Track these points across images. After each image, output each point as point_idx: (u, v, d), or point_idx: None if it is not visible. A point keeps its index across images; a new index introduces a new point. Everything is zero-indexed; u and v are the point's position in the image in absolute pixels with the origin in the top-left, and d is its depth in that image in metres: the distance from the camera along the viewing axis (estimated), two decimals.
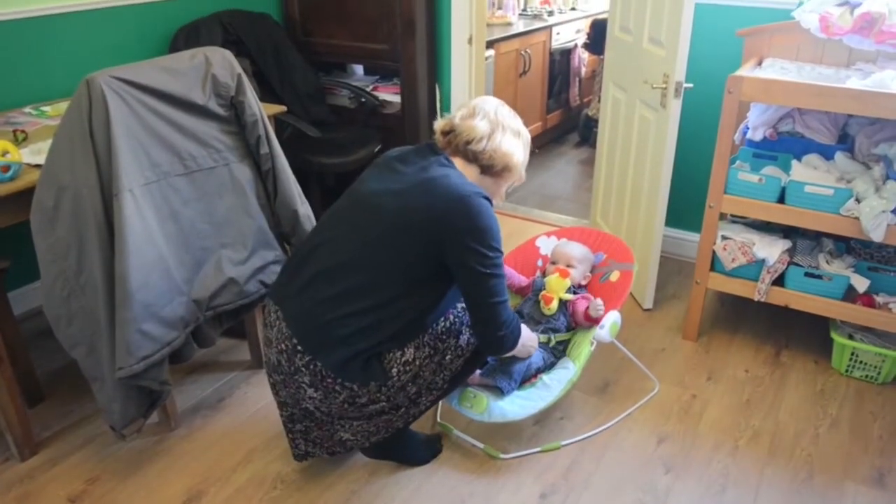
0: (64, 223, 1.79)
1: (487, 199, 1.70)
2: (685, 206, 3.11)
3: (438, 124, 1.85)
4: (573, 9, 5.44)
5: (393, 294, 1.67)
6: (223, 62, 1.96)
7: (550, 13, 5.09)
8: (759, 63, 2.65)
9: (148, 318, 1.83)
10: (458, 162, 1.79)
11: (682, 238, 3.26)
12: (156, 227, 1.85)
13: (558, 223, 3.70)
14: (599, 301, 2.16)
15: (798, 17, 2.53)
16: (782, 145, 2.56)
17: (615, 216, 3.10)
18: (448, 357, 1.80)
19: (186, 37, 3.10)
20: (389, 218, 1.67)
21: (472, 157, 1.78)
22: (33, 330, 2.70)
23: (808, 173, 2.39)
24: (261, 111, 2.03)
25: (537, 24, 4.69)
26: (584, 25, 5.29)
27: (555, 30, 4.91)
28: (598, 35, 4.88)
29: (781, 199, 2.37)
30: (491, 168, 1.80)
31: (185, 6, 3.19)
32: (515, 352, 1.89)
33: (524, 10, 5.15)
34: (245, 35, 3.27)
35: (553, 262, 2.33)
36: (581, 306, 2.17)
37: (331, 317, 1.66)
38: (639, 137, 2.78)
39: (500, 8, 4.83)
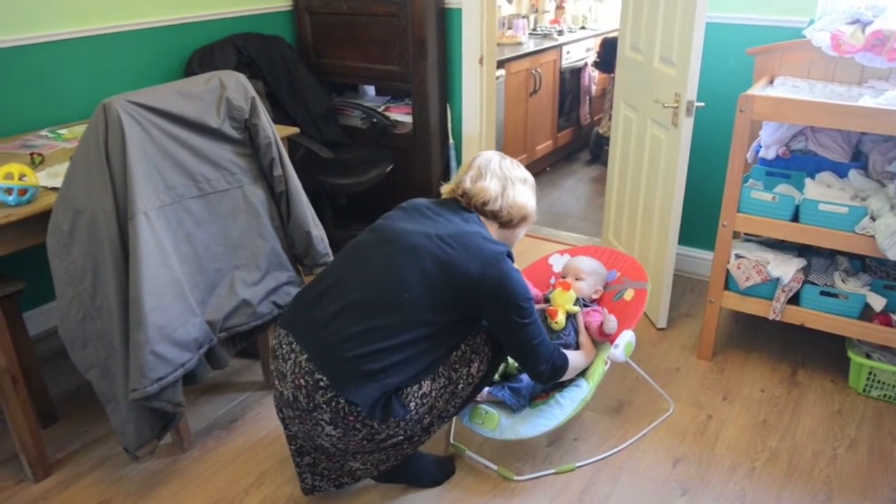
0: (80, 246, 1.80)
1: (510, 254, 1.78)
2: (698, 224, 3.09)
3: (447, 188, 1.94)
4: (583, 27, 5.47)
5: (426, 333, 1.69)
6: (237, 86, 1.98)
7: (560, 32, 5.12)
8: (771, 81, 2.65)
9: (162, 339, 1.84)
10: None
11: (695, 256, 3.24)
12: (170, 250, 1.86)
13: (570, 241, 3.70)
14: (613, 318, 2.15)
15: (809, 36, 2.53)
16: (795, 163, 2.55)
17: (627, 235, 3.09)
18: (461, 385, 1.81)
19: (201, 59, 3.13)
20: (428, 260, 1.69)
21: (491, 216, 1.87)
22: (48, 350, 2.72)
23: (821, 191, 2.38)
24: (274, 134, 2.05)
25: (547, 44, 4.72)
26: (594, 44, 5.32)
27: (565, 49, 4.93)
28: (608, 53, 4.91)
29: (795, 218, 2.35)
30: (510, 222, 1.90)
31: (200, 29, 3.23)
32: (567, 375, 1.99)
33: (534, 29, 5.18)
34: (258, 57, 3.31)
35: (563, 277, 2.34)
36: (595, 320, 2.16)
37: (361, 352, 1.64)
38: (650, 156, 2.77)
39: (510, 28, 4.87)
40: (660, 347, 2.73)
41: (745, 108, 2.29)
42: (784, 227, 2.35)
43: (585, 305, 2.25)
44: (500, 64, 4.03)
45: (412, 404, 1.71)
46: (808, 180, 2.43)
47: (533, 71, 4.54)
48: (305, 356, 1.67)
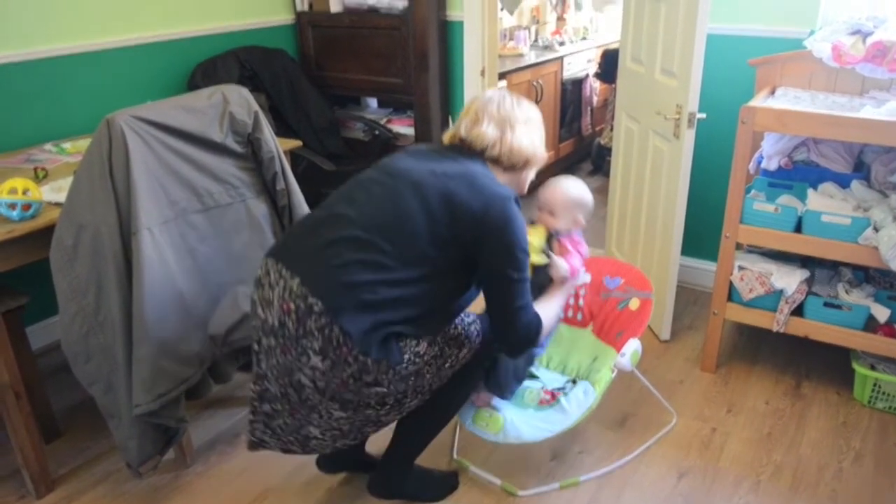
0: (83, 261, 1.81)
1: (517, 200, 1.70)
2: (701, 235, 3.09)
3: (447, 136, 1.85)
4: (584, 38, 5.48)
5: (420, 274, 1.62)
6: (240, 100, 1.98)
7: (562, 43, 5.13)
8: (772, 92, 2.65)
9: (165, 355, 1.84)
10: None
11: (698, 267, 3.24)
12: (173, 265, 1.86)
13: None
14: (585, 273, 2.11)
15: (810, 47, 2.54)
16: (797, 174, 2.55)
17: (630, 246, 3.09)
18: (447, 364, 1.75)
19: (204, 73, 3.15)
20: (432, 195, 1.63)
21: (493, 161, 1.78)
22: (50, 364, 2.71)
23: (824, 202, 2.38)
24: (277, 148, 2.06)
25: (549, 55, 4.73)
26: (596, 55, 5.33)
27: (566, 60, 4.94)
28: (609, 65, 4.92)
29: (798, 229, 2.35)
30: (513, 167, 1.81)
31: (203, 43, 3.25)
32: (539, 339, 1.82)
33: (535, 41, 5.19)
34: (261, 70, 3.32)
35: (538, 209, 2.10)
36: (575, 263, 1.99)
37: (358, 280, 1.56)
38: (652, 168, 2.78)
39: (511, 39, 4.88)
40: (663, 359, 2.72)
41: (746, 119, 2.29)
42: (787, 239, 2.35)
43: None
44: (502, 76, 4.03)
45: (406, 356, 1.64)
46: (810, 191, 2.43)
47: (534, 82, 4.54)
48: (297, 280, 1.57)
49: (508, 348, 1.83)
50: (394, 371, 1.63)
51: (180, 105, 1.90)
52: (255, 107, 2.01)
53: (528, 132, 1.81)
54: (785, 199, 2.47)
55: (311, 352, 1.56)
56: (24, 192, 1.95)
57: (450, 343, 1.74)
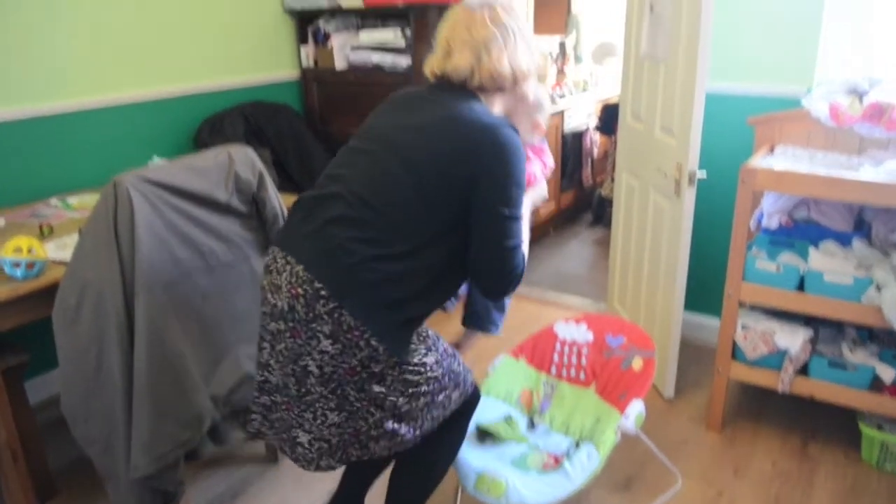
0: (85, 321, 1.80)
1: (515, 129, 1.61)
2: (703, 290, 3.09)
3: (427, 70, 1.73)
4: (584, 91, 5.57)
5: (419, 242, 1.55)
6: (246, 160, 2.01)
7: (562, 96, 5.21)
8: (771, 150, 2.68)
9: (165, 417, 1.82)
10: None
11: (701, 323, 3.23)
12: (176, 325, 1.85)
13: (574, 305, 3.69)
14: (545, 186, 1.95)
15: (808, 106, 2.58)
16: (798, 232, 2.56)
17: (632, 301, 3.08)
18: (440, 398, 1.69)
19: (210, 128, 3.19)
20: (418, 159, 1.56)
21: (479, 88, 1.66)
22: (48, 418, 2.68)
23: (825, 261, 2.38)
24: (281, 206, 2.07)
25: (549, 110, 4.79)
26: (596, 108, 5.41)
27: (567, 113, 5.01)
28: (608, 118, 4.99)
29: (801, 288, 2.35)
30: (503, 88, 1.67)
31: (209, 99, 3.30)
32: None
33: None
34: (266, 125, 3.37)
35: None
36: (535, 171, 1.90)
37: (356, 260, 1.51)
38: (654, 225, 2.79)
39: None
40: (668, 418, 2.69)
41: (746, 179, 2.31)
42: (790, 298, 2.35)
43: None
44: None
45: (415, 359, 1.61)
46: (811, 249, 2.44)
47: None
48: (301, 266, 1.54)
49: (492, 290, 1.67)
50: (400, 369, 1.58)
51: (187, 165, 1.92)
52: (260, 166, 2.03)
53: (508, 48, 1.64)
54: (786, 257, 2.48)
55: (321, 335, 1.53)
56: (29, 251, 1.96)
57: (450, 375, 1.71)
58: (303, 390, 1.59)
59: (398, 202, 1.54)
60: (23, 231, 2.34)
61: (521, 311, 3.62)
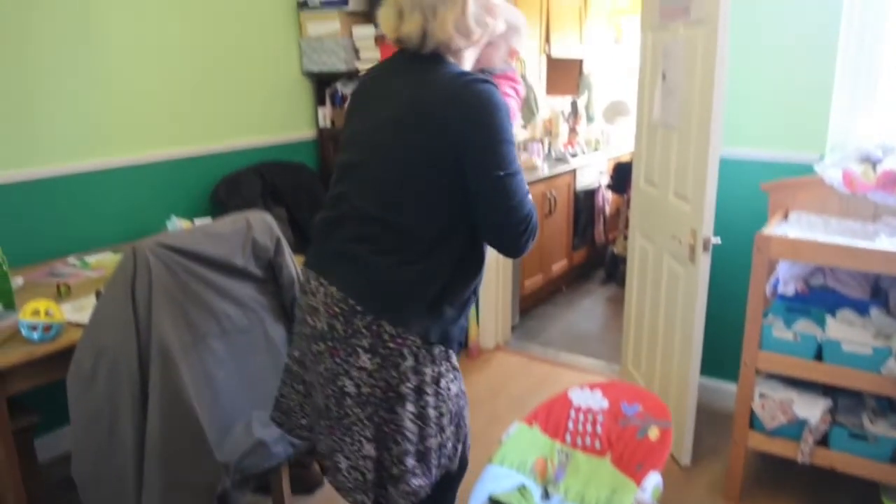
0: (100, 387, 1.80)
1: (488, 82, 1.50)
2: (719, 354, 3.06)
3: (388, 33, 1.59)
4: (596, 150, 5.63)
5: (433, 237, 1.53)
6: (263, 226, 2.03)
7: (574, 155, 5.27)
8: (786, 216, 2.69)
9: (176, 483, 1.81)
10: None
11: (717, 387, 3.18)
12: (189, 391, 1.85)
13: (588, 367, 3.66)
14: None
15: (821, 173, 2.59)
16: (814, 299, 2.55)
17: (647, 365, 3.05)
18: (457, 424, 1.67)
19: (228, 187, 3.24)
20: (397, 155, 1.52)
21: (440, 50, 1.55)
22: (56, 476, 2.65)
23: (843, 330, 2.36)
24: (297, 271, 2.08)
25: (562, 168, 4.84)
26: (607, 167, 5.46)
27: (579, 171, 5.06)
28: (620, 176, 5.04)
29: (818, 357, 2.32)
30: (462, 48, 1.57)
31: (227, 159, 3.36)
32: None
33: (549, 152, 5.33)
34: (282, 184, 3.41)
35: None
36: (512, 105, 1.75)
37: (381, 272, 1.53)
38: (668, 289, 2.78)
39: (525, 151, 5.01)
40: (685, 487, 2.64)
41: (762, 247, 2.31)
42: (808, 367, 2.32)
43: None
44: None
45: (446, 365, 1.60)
46: (829, 318, 2.41)
47: (548, 193, 4.64)
48: (334, 287, 1.56)
49: (509, 249, 1.60)
50: (436, 387, 1.58)
51: (205, 231, 1.94)
52: (278, 233, 2.05)
53: (455, 8, 1.51)
54: (803, 324, 2.45)
55: (360, 349, 1.54)
56: (47, 313, 1.97)
57: (461, 413, 1.69)
58: (341, 412, 1.60)
59: (399, 207, 1.54)
60: (40, 290, 2.36)
61: (534, 373, 3.59)
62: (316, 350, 1.62)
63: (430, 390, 1.59)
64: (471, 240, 1.59)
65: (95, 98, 2.83)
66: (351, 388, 1.57)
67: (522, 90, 1.79)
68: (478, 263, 1.64)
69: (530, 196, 1.58)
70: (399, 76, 1.58)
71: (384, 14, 1.57)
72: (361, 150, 1.60)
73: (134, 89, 2.97)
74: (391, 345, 1.53)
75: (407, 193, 1.52)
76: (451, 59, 1.57)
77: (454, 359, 1.67)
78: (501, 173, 1.48)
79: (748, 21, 2.81)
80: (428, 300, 1.55)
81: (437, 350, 1.59)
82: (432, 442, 1.63)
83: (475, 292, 1.68)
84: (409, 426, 1.59)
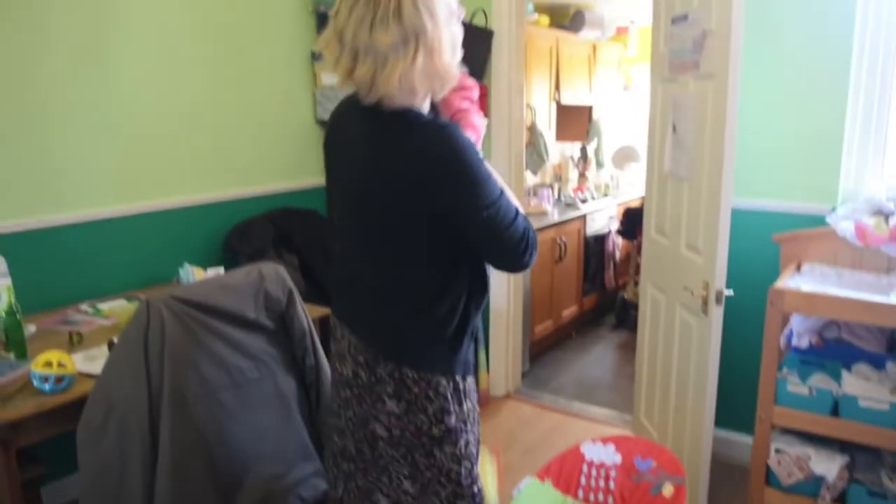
0: (110, 441, 1.80)
1: (443, 126, 1.42)
2: (733, 405, 3.01)
3: (339, 74, 1.45)
4: (606, 195, 5.65)
5: (435, 280, 1.52)
6: (276, 278, 2.04)
7: (584, 201, 5.29)
8: (798, 268, 2.68)
9: None
10: None
11: (732, 439, 3.13)
12: (199, 444, 1.84)
13: (600, 417, 3.62)
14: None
15: (833, 224, 2.59)
16: (829, 352, 2.52)
17: (660, 416, 3.01)
18: (474, 445, 1.66)
19: (240, 234, 3.26)
20: (378, 211, 1.50)
21: (384, 101, 1.43)
22: None
23: (859, 385, 2.33)
24: (309, 324, 2.09)
25: (572, 214, 4.86)
26: (617, 212, 5.47)
27: (589, 217, 5.07)
28: (630, 222, 5.04)
29: (835, 412, 2.29)
30: (414, 100, 1.45)
31: (239, 206, 3.39)
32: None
33: (558, 198, 5.36)
34: (294, 232, 3.44)
35: None
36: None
37: (395, 321, 1.54)
38: (681, 341, 2.76)
39: (535, 196, 5.04)
40: None
41: (775, 301, 2.30)
42: (824, 423, 2.29)
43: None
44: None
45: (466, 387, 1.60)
46: (844, 373, 2.39)
47: (558, 239, 4.64)
48: (355, 336, 1.59)
49: (513, 268, 1.58)
50: (466, 426, 1.58)
51: (219, 284, 1.96)
52: (290, 284, 2.06)
53: (405, 58, 1.37)
54: (818, 378, 2.43)
55: (385, 397, 1.56)
56: (59, 365, 1.98)
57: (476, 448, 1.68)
58: (376, 454, 1.61)
59: (398, 263, 1.54)
60: (53, 338, 2.37)
61: (545, 423, 3.55)
62: (344, 396, 1.65)
63: (464, 426, 1.60)
64: (475, 270, 1.59)
65: (109, 146, 2.88)
66: (382, 432, 1.59)
67: (476, 92, 1.66)
68: (484, 287, 1.64)
69: (520, 210, 1.54)
70: (357, 125, 1.52)
71: (334, 52, 1.42)
72: (346, 210, 1.60)
73: (147, 137, 3.01)
74: (415, 389, 1.55)
75: (399, 250, 1.52)
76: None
77: (475, 389, 1.67)
78: (485, 213, 1.44)
79: (758, 73, 2.84)
80: (446, 340, 1.56)
81: (462, 385, 1.60)
82: (474, 474, 1.65)
83: (477, 312, 1.65)
84: (453, 467, 1.60)
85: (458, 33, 1.47)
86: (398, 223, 1.49)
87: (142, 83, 2.96)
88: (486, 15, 3.46)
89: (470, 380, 1.64)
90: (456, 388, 1.58)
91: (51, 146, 2.69)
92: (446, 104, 1.60)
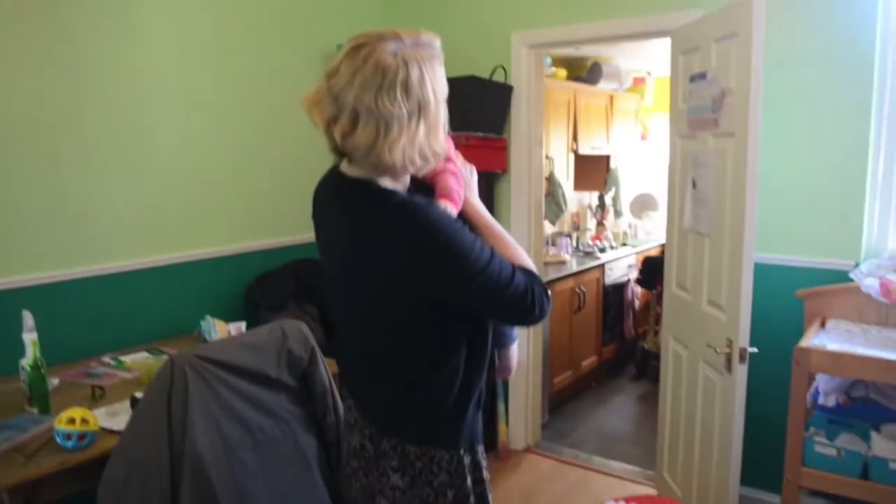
0: (130, 499, 1.79)
1: (417, 209, 1.38)
2: (759, 464, 2.95)
3: (337, 142, 1.39)
4: (624, 244, 5.64)
5: (431, 353, 1.48)
6: (298, 336, 2.04)
7: (602, 249, 5.29)
8: (823, 324, 2.65)
9: None
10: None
11: (758, 499, 3.06)
12: None
13: (622, 473, 3.55)
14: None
15: (858, 281, 2.57)
16: (857, 411, 2.48)
17: (684, 474, 2.95)
18: None
19: (261, 286, 3.28)
20: (365, 291, 1.48)
21: (376, 172, 1.40)
22: None
23: (889, 446, 2.28)
24: (331, 382, 2.09)
25: (590, 263, 4.85)
26: (636, 260, 5.46)
27: (607, 266, 5.06)
28: (649, 271, 5.02)
29: (865, 474, 2.24)
30: (414, 161, 1.38)
31: (260, 258, 3.42)
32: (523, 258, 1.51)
33: (577, 246, 5.36)
34: (314, 283, 3.45)
35: None
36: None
37: (394, 395, 1.53)
38: (704, 397, 2.72)
39: (553, 245, 5.05)
40: None
41: (801, 360, 2.27)
42: (854, 486, 2.23)
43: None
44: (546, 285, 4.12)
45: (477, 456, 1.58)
46: (873, 433, 2.34)
47: (577, 289, 4.63)
48: (359, 411, 1.61)
49: (525, 322, 1.50)
50: (477, 477, 1.57)
51: (241, 342, 1.96)
52: (313, 342, 2.07)
53: (409, 128, 1.34)
54: (846, 438, 2.38)
55: (390, 471, 1.54)
56: (83, 422, 1.98)
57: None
58: None
59: (391, 339, 1.51)
60: (75, 392, 2.39)
61: (566, 478, 3.49)
62: (353, 466, 1.63)
63: (472, 500, 1.57)
64: (475, 335, 1.53)
65: (132, 199, 2.92)
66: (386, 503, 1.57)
67: (459, 162, 1.59)
68: (484, 352, 1.59)
69: (524, 263, 1.48)
70: (335, 204, 1.51)
71: (328, 111, 1.37)
72: (335, 285, 1.58)
73: (170, 190, 3.05)
74: (418, 464, 1.53)
75: (390, 329, 1.50)
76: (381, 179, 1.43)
77: (484, 458, 1.63)
78: (476, 282, 1.37)
79: (778, 129, 2.85)
80: (447, 412, 1.53)
81: (469, 457, 1.57)
82: None
83: (479, 385, 1.62)
84: None
85: (447, 115, 1.45)
86: (382, 301, 1.47)
87: (165, 137, 3.02)
88: (505, 71, 3.52)
89: (479, 449, 1.61)
90: (461, 461, 1.55)
91: (76, 199, 2.74)
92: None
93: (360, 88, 1.31)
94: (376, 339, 1.54)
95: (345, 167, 1.48)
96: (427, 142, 1.37)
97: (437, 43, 1.40)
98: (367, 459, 1.58)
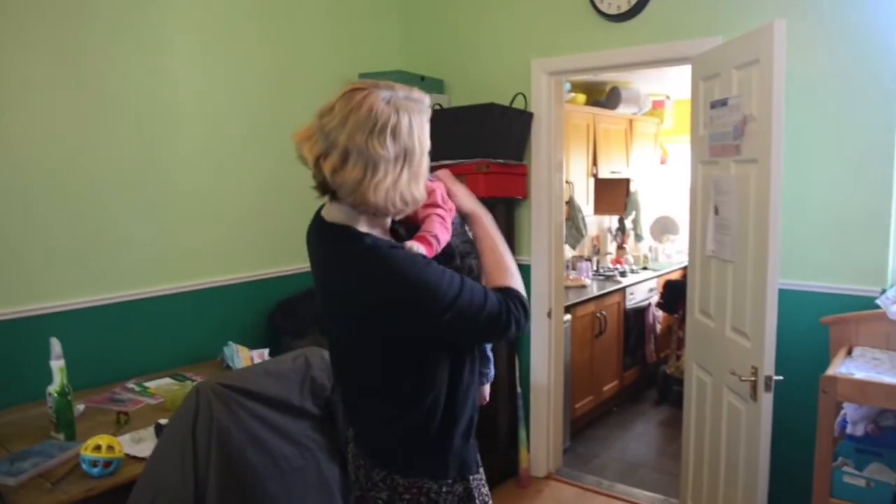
0: None
1: (380, 255, 1.42)
2: (786, 493, 2.89)
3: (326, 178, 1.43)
4: (645, 268, 5.62)
5: (411, 387, 1.51)
6: (322, 363, 2.06)
7: (623, 273, 5.26)
8: (849, 352, 2.61)
9: None
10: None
11: None
12: None
13: (645, 501, 3.51)
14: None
15: (884, 307, 2.54)
16: (886, 440, 2.42)
17: (708, 501, 2.91)
18: None
19: (284, 311, 3.31)
20: (343, 337, 1.59)
21: (357, 211, 1.47)
22: None
23: None
24: None
25: (611, 286, 4.83)
26: (657, 284, 5.42)
27: (628, 290, 5.04)
28: (671, 295, 4.98)
29: (895, 503, 2.19)
30: (395, 204, 1.44)
31: (283, 283, 3.44)
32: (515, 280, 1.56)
33: (597, 270, 5.34)
34: None
35: None
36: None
37: (382, 428, 1.58)
38: (729, 426, 2.69)
39: (573, 269, 5.04)
40: None
41: (828, 389, 2.24)
42: None
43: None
44: (566, 309, 4.11)
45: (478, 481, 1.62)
46: None
47: (598, 314, 4.61)
48: (353, 444, 1.69)
49: (507, 338, 1.53)
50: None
51: (265, 370, 1.98)
52: None
53: (394, 170, 1.41)
54: (876, 468, 2.33)
55: (380, 501, 1.59)
56: (108, 448, 2.01)
57: None
58: None
59: (370, 374, 1.56)
60: (100, 418, 2.41)
61: None
62: (354, 496, 1.71)
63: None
64: (454, 367, 1.55)
65: (157, 226, 2.97)
66: None
67: (447, 206, 1.63)
68: (467, 382, 1.60)
69: (514, 282, 1.53)
70: (314, 246, 1.59)
71: (318, 147, 1.42)
72: (326, 324, 1.65)
73: (194, 216, 3.10)
74: (406, 496, 1.56)
75: (368, 364, 1.55)
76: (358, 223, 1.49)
77: (482, 487, 1.64)
78: (447, 315, 1.40)
79: (801, 154, 2.83)
80: (430, 443, 1.56)
81: (460, 487, 1.58)
82: None
83: (475, 408, 1.66)
84: None
85: (428, 166, 1.51)
86: (360, 338, 1.53)
87: (192, 168, 3.07)
88: (525, 98, 3.54)
89: (472, 478, 1.61)
90: (450, 491, 1.57)
91: (102, 227, 2.79)
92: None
93: (353, 129, 1.38)
94: (358, 373, 1.61)
95: (325, 211, 1.56)
96: (408, 187, 1.43)
97: (427, 100, 1.48)
98: (362, 489, 1.65)
